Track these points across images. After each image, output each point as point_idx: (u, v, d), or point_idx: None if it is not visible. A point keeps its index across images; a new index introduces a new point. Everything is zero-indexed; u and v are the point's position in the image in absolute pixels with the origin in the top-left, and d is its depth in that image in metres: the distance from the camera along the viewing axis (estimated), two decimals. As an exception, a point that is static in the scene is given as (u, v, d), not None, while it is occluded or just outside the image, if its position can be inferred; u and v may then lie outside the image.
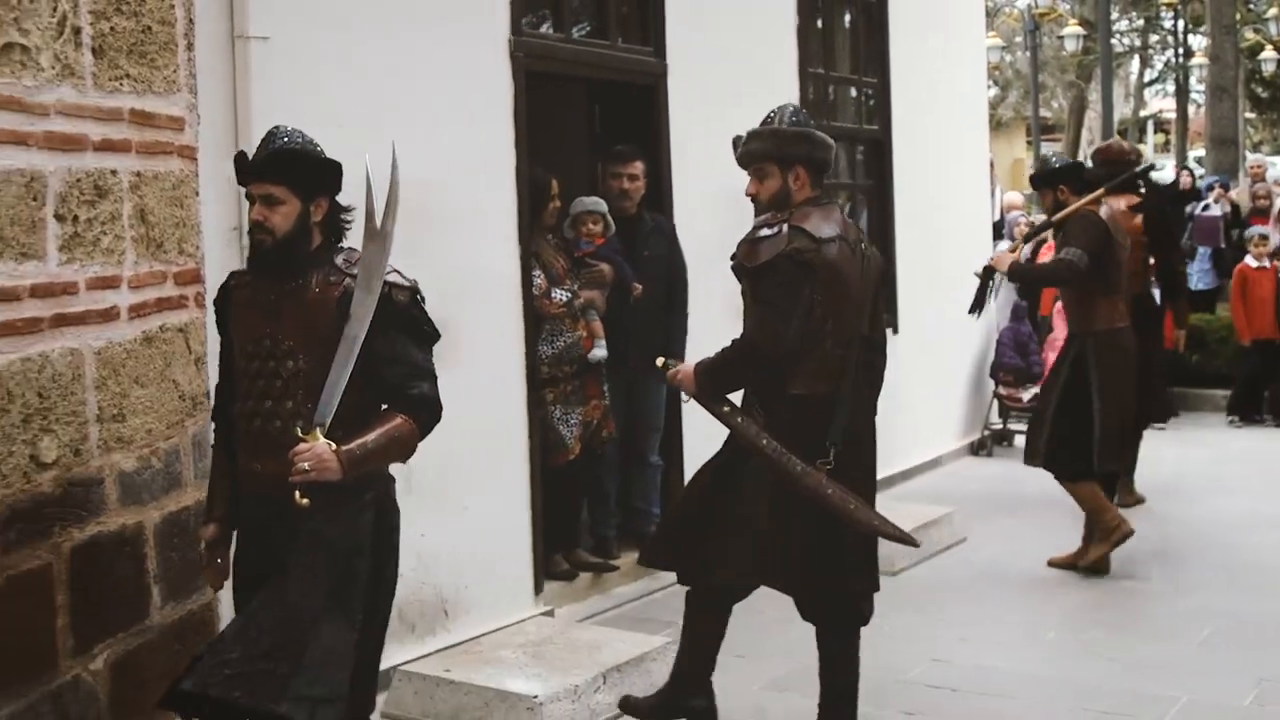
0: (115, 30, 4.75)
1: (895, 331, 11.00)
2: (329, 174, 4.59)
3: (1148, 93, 48.78)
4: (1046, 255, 12.93)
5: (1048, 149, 46.82)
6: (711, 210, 8.93)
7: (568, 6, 8.12)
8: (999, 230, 14.98)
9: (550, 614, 7.29)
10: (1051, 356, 12.63)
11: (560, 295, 7.58)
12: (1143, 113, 50.27)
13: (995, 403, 12.91)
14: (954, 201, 11.88)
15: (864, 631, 5.87)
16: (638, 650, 6.47)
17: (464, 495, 6.85)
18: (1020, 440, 12.47)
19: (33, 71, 4.37)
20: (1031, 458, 8.71)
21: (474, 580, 6.88)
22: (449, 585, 6.82)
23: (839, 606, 5.75)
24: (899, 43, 11.29)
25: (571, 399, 7.64)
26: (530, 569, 7.31)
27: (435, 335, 4.70)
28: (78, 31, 4.57)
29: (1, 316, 4.23)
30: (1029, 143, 36.84)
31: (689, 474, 8.62)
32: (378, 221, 4.52)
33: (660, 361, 5.83)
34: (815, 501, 5.36)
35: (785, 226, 5.44)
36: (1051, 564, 8.73)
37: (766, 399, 5.53)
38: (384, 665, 6.34)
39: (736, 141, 5.88)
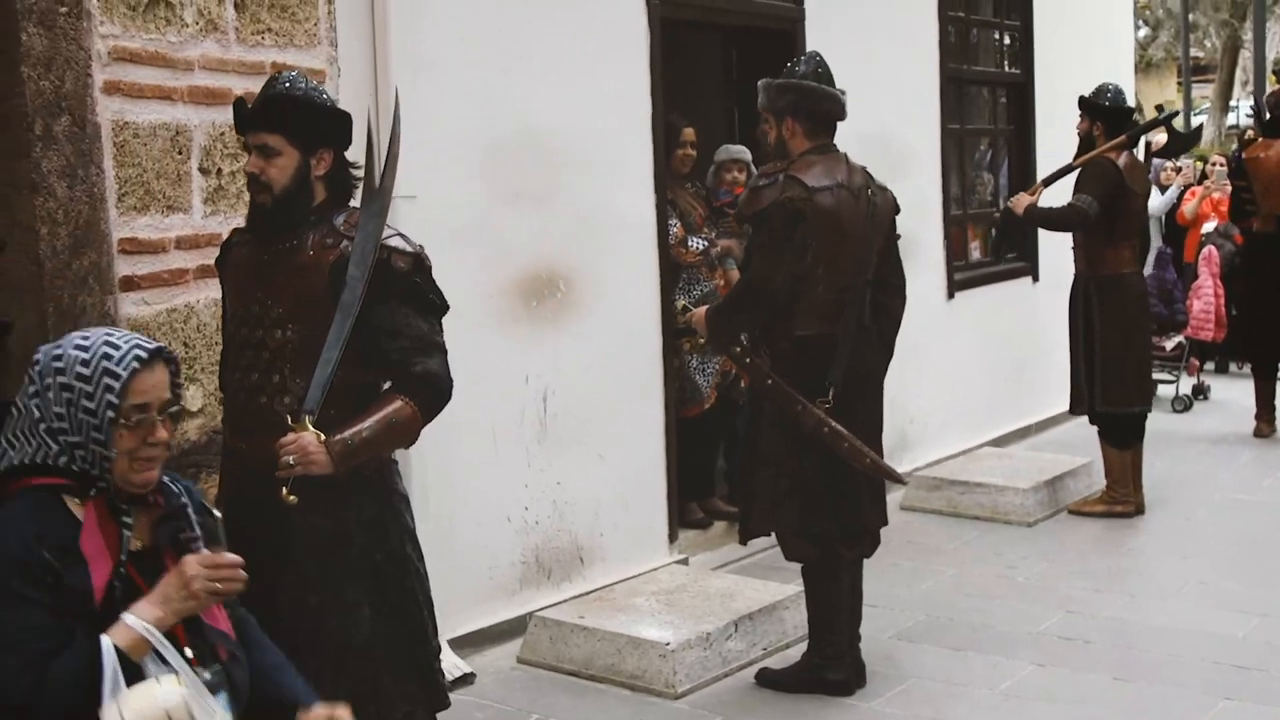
0: (257, -15, 4.84)
1: (1035, 280, 10.90)
2: (334, 124, 4.15)
3: (1306, 29, 47.40)
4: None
5: (1198, 91, 45.85)
6: (853, 156, 8.88)
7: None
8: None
9: (684, 562, 7.34)
10: (1196, 304, 12.48)
11: (697, 244, 7.59)
12: (1300, 51, 48.92)
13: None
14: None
15: (997, 582, 5.88)
16: (770, 599, 6.50)
17: (600, 444, 6.91)
18: (1163, 390, 12.33)
19: (177, 27, 4.46)
20: (1077, 406, 8.74)
21: (609, 528, 6.95)
22: (584, 533, 6.90)
23: (856, 539, 6.05)
24: (1042, -14, 11.11)
25: (707, 348, 7.65)
26: (665, 517, 7.36)
27: (444, 306, 4.23)
28: (221, -13, 4.66)
29: (148, 268, 4.35)
30: (1179, 84, 36.01)
31: (825, 423, 8.66)
32: (376, 179, 4.15)
33: (679, 304, 6.31)
34: (814, 437, 5.69)
35: (782, 176, 5.70)
36: (1071, 511, 8.83)
37: (771, 340, 5.83)
38: (521, 610, 6.52)
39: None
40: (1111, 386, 8.46)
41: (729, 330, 5.85)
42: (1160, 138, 16.53)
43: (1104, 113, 8.64)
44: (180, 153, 4.45)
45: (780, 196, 5.63)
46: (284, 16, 4.99)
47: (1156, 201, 13.85)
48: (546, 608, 6.48)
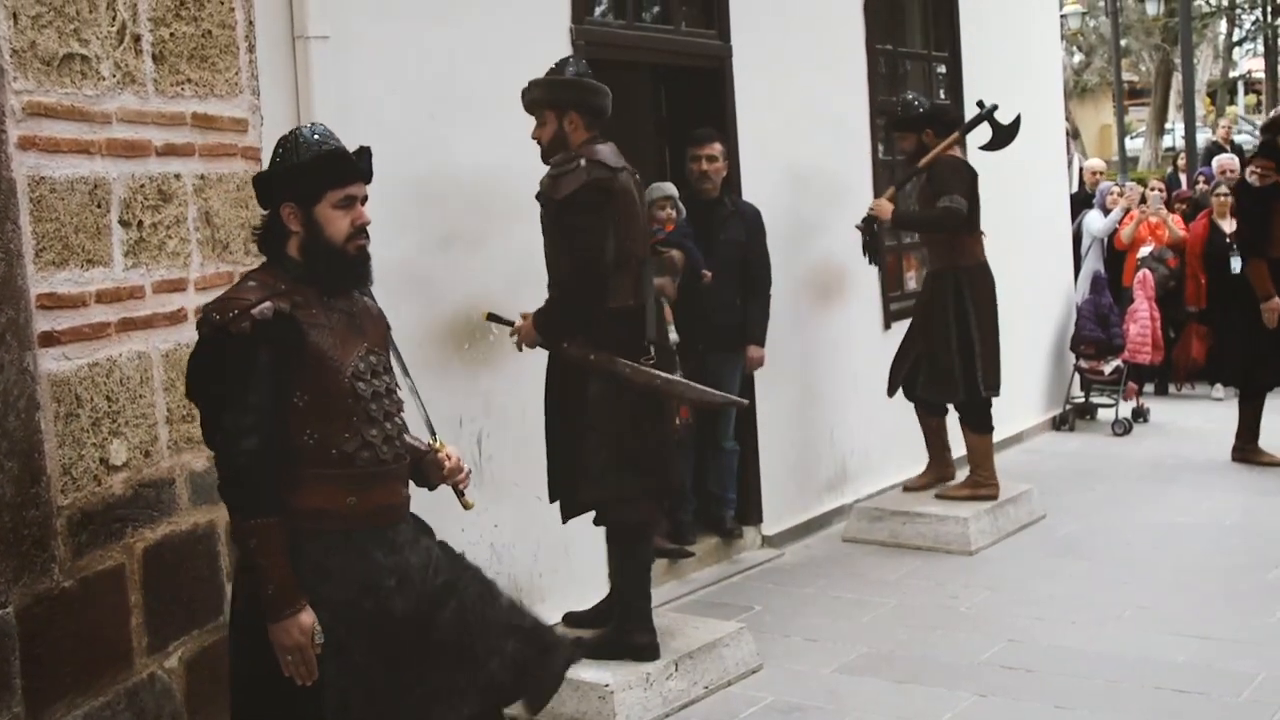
0: (175, 36, 4.81)
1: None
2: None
3: (1237, 52, 47.99)
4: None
5: (1135, 114, 46.33)
6: (782, 191, 8.94)
7: (630, -8, 8.13)
8: (1088, 200, 14.80)
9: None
10: (1132, 328, 12.57)
11: (626, 281, 7.61)
12: (1232, 73, 49.49)
13: (1076, 376, 12.81)
14: (1030, 174, 11.76)
15: (940, 612, 5.92)
16: (711, 636, 6.48)
17: (538, 485, 6.84)
18: (1103, 414, 12.42)
19: (93, 81, 4.43)
20: (952, 394, 9.03)
21: (548, 570, 6.93)
22: (524, 575, 6.87)
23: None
24: (969, 15, 11.20)
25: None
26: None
27: None
28: (137, 39, 4.63)
29: (69, 323, 4.31)
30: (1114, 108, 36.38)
31: (764, 458, 8.69)
32: None
33: (487, 316, 6.52)
34: (649, 392, 6.11)
35: (583, 161, 6.03)
36: (905, 488, 9.29)
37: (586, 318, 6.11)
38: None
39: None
40: (992, 372, 8.86)
41: (561, 327, 6.11)
42: (1092, 162, 16.72)
43: (927, 120, 8.96)
44: (99, 206, 4.42)
45: (588, 179, 5.98)
46: (204, 67, 4.96)
47: (1099, 224, 13.97)
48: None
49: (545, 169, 6.14)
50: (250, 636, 4.02)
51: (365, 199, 4.21)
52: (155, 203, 4.66)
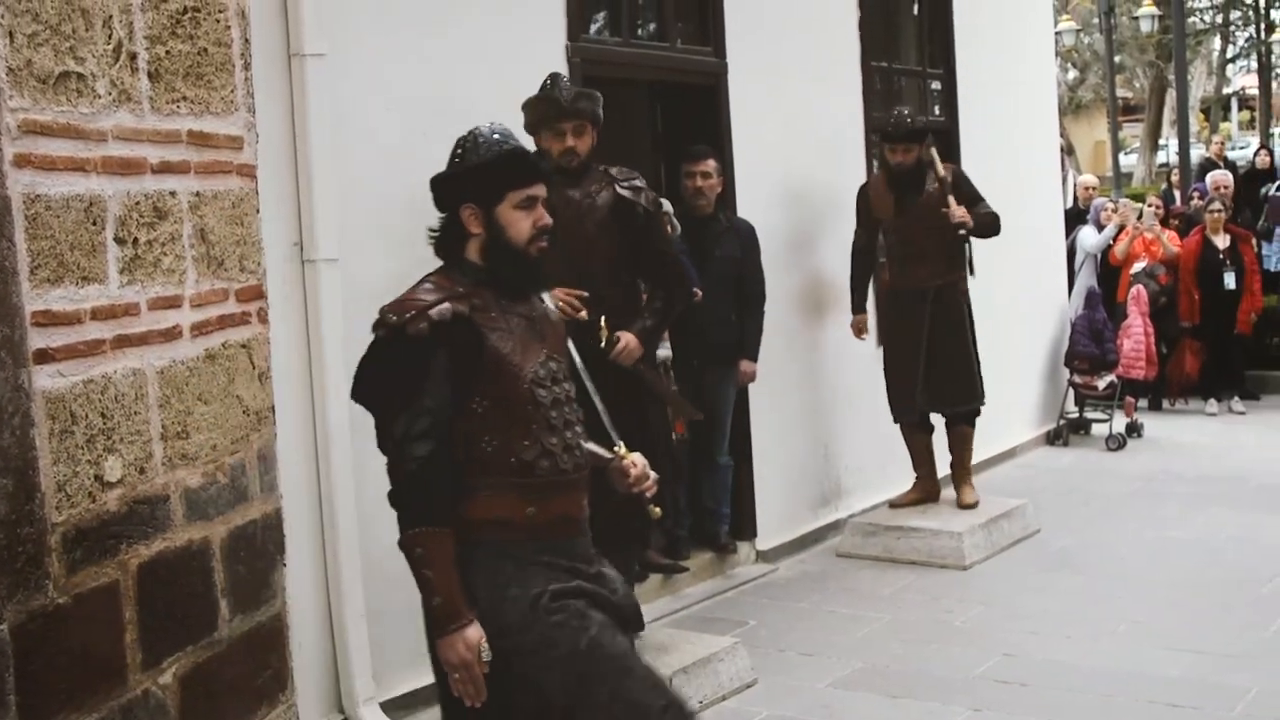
0: (171, 54, 4.82)
1: (966, 323, 10.97)
2: None
3: (1231, 69, 48.09)
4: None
5: (1129, 130, 46.40)
6: (776, 206, 8.97)
7: (626, 9, 8.16)
8: (1082, 216, 14.84)
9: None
10: (1126, 343, 12.59)
11: (624, 298, 7.62)
12: (1225, 90, 49.59)
13: (1070, 391, 12.83)
14: (1025, 190, 11.78)
15: (934, 627, 5.93)
16: (705, 651, 6.50)
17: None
18: (1097, 429, 12.44)
19: (89, 99, 4.44)
20: (976, 400, 9.23)
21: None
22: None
23: None
24: (964, 32, 11.24)
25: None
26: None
27: None
28: (133, 57, 4.64)
29: (63, 340, 4.30)
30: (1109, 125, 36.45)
31: (758, 473, 8.71)
32: None
33: (604, 325, 6.28)
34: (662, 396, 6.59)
35: (639, 177, 6.43)
36: (892, 505, 9.36)
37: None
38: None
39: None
40: (978, 383, 9.09)
41: (658, 337, 6.54)
42: (1085, 178, 16.79)
43: (926, 133, 9.17)
44: (95, 224, 4.42)
45: (652, 194, 6.47)
46: (200, 84, 4.97)
47: (1093, 239, 14.00)
48: (480, 668, 6.44)
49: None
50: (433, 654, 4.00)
51: (544, 200, 4.11)
52: (150, 220, 4.67)
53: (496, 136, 4.09)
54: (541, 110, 6.27)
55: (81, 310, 4.37)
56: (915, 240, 9.01)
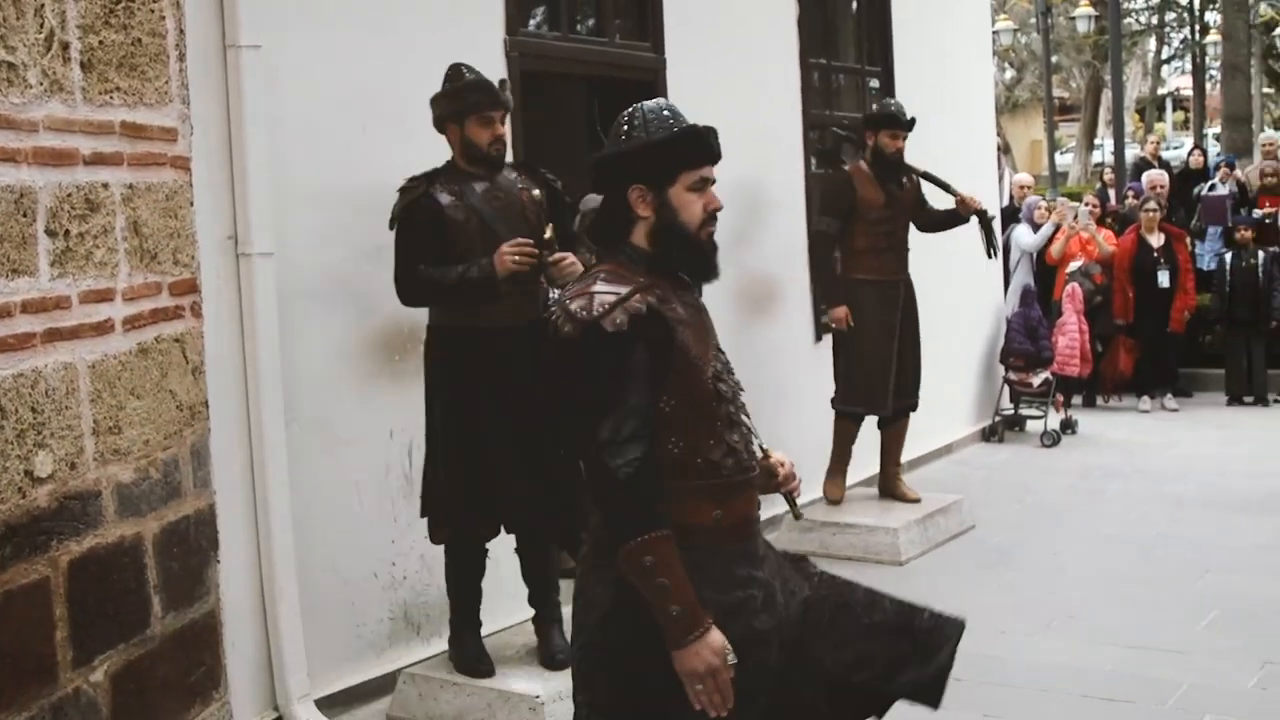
0: (104, 44, 4.77)
1: (903, 320, 11.02)
2: None
3: (1165, 70, 48.56)
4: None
5: (1065, 129, 46.75)
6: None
7: (565, 5, 8.13)
8: (1018, 214, 14.93)
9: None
10: (1061, 341, 12.69)
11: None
12: (1161, 90, 50.05)
13: (1006, 388, 12.90)
14: (961, 188, 11.81)
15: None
16: (642, 647, 6.47)
17: (468, 495, 6.89)
18: (1032, 426, 12.53)
19: (20, 88, 4.38)
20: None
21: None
22: (455, 585, 6.85)
23: None
24: (902, 30, 11.28)
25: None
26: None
27: None
28: (66, 46, 4.59)
29: (-8, 333, 4.25)
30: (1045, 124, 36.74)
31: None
32: None
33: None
34: None
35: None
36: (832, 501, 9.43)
37: None
38: (390, 667, 6.47)
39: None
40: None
41: None
42: (1021, 177, 16.92)
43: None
44: (25, 215, 4.37)
45: None
46: (133, 75, 4.92)
47: (1028, 238, 14.10)
48: (416, 664, 6.43)
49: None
50: (638, 679, 3.68)
51: (714, 182, 3.81)
52: (83, 212, 4.62)
53: (666, 114, 3.80)
54: (475, 98, 6.13)
55: (11, 303, 4.32)
56: (897, 231, 9.05)
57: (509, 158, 6.37)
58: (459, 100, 6.15)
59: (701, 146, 3.77)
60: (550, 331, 3.65)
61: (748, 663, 3.61)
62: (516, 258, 5.87)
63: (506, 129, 6.31)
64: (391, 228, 6.05)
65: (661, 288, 3.68)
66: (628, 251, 3.75)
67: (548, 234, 6.06)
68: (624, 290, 3.60)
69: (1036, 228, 14.24)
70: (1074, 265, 13.84)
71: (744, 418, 3.84)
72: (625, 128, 3.80)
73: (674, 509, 3.60)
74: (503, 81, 6.33)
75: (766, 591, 3.77)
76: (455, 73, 6.22)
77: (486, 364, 6.02)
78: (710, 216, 3.78)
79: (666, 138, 3.73)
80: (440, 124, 6.23)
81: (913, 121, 9.08)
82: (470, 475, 6.05)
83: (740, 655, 3.57)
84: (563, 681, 6.06)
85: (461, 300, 6.00)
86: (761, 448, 3.93)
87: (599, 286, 3.63)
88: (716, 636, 3.53)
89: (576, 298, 3.63)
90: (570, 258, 6.06)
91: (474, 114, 6.13)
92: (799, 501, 4.14)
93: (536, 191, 6.31)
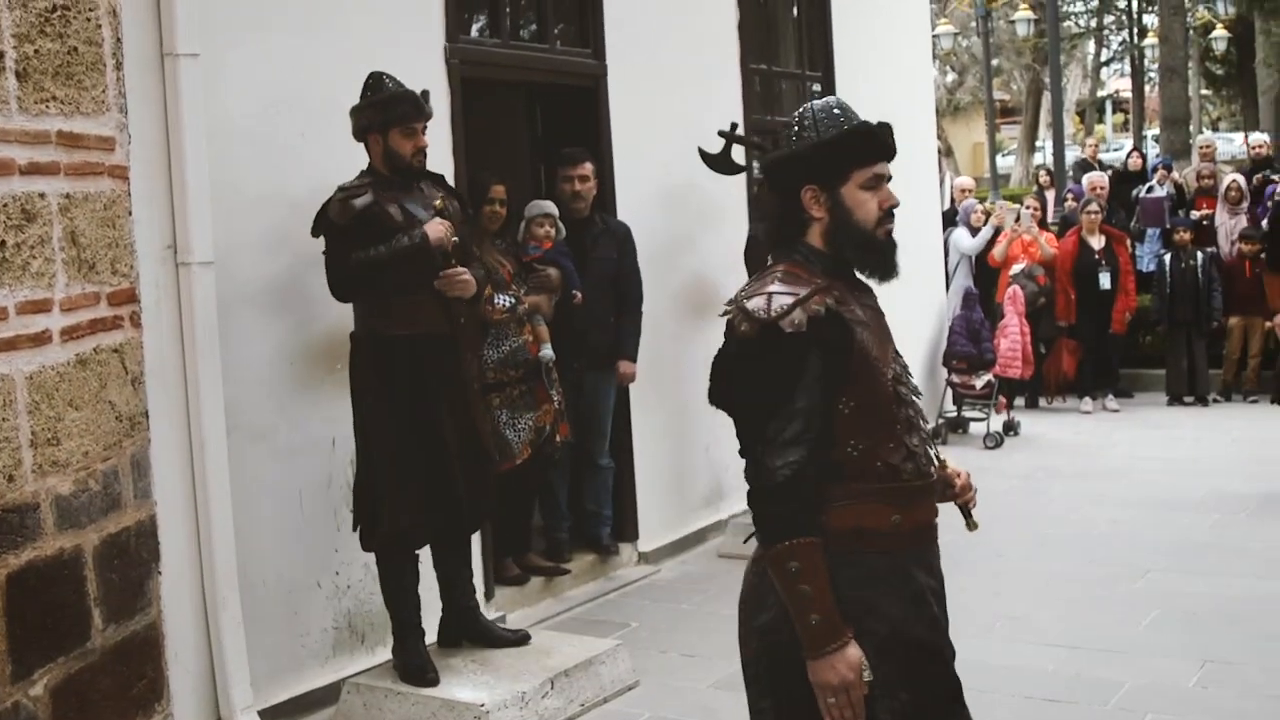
0: (40, 53, 4.73)
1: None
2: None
3: (1105, 72, 48.95)
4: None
5: (1007, 132, 47.04)
6: (655, 209, 8.98)
7: (506, 11, 8.13)
8: (953, 218, 15.03)
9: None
10: (1003, 343, 12.77)
11: (503, 300, 7.52)
12: (1100, 93, 50.46)
13: (948, 390, 12.97)
14: (903, 191, 11.85)
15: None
16: (586, 654, 6.49)
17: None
18: (975, 428, 12.60)
19: (-46, 99, 4.35)
20: None
21: (423, 589, 6.89)
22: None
23: None
24: (843, 34, 11.32)
25: (519, 404, 7.61)
26: (481, 575, 7.31)
27: None
28: (1, 56, 4.55)
29: (-71, 345, 4.21)
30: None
31: (640, 475, 8.72)
32: None
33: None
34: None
35: None
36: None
37: None
38: (334, 677, 6.45)
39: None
40: None
41: None
42: (961, 180, 16.98)
43: None
44: (-40, 226, 4.34)
45: None
46: (70, 84, 4.88)
47: (967, 242, 14.20)
48: (360, 673, 6.41)
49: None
50: (785, 685, 3.61)
51: (890, 178, 3.74)
52: (19, 222, 4.58)
53: (837, 112, 3.73)
54: (401, 110, 6.19)
55: (-53, 315, 4.29)
56: None
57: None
58: (384, 112, 6.20)
59: (873, 142, 3.70)
60: (726, 329, 3.62)
61: (918, 669, 3.58)
62: (445, 226, 6.10)
63: (427, 138, 6.34)
64: (331, 230, 6.12)
65: (839, 288, 3.63)
66: (803, 251, 3.70)
67: (448, 245, 6.21)
68: (802, 291, 3.55)
69: (974, 231, 14.34)
70: (1017, 267, 13.92)
71: (923, 423, 3.76)
72: (796, 128, 3.75)
73: (852, 511, 3.56)
74: (425, 92, 6.33)
75: (940, 604, 3.72)
76: (377, 83, 6.28)
77: (411, 370, 6.15)
78: (887, 214, 3.71)
79: (836, 136, 3.67)
80: (361, 134, 6.28)
81: None
82: (402, 478, 6.12)
83: (911, 664, 3.55)
84: (508, 689, 6.07)
85: (397, 277, 6.09)
86: (938, 457, 3.80)
87: (775, 286, 3.58)
88: (854, 651, 3.47)
89: (753, 296, 3.58)
90: (465, 273, 6.23)
91: (398, 125, 6.17)
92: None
93: (450, 201, 6.45)
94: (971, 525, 3.95)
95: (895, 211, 3.72)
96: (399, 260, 6.05)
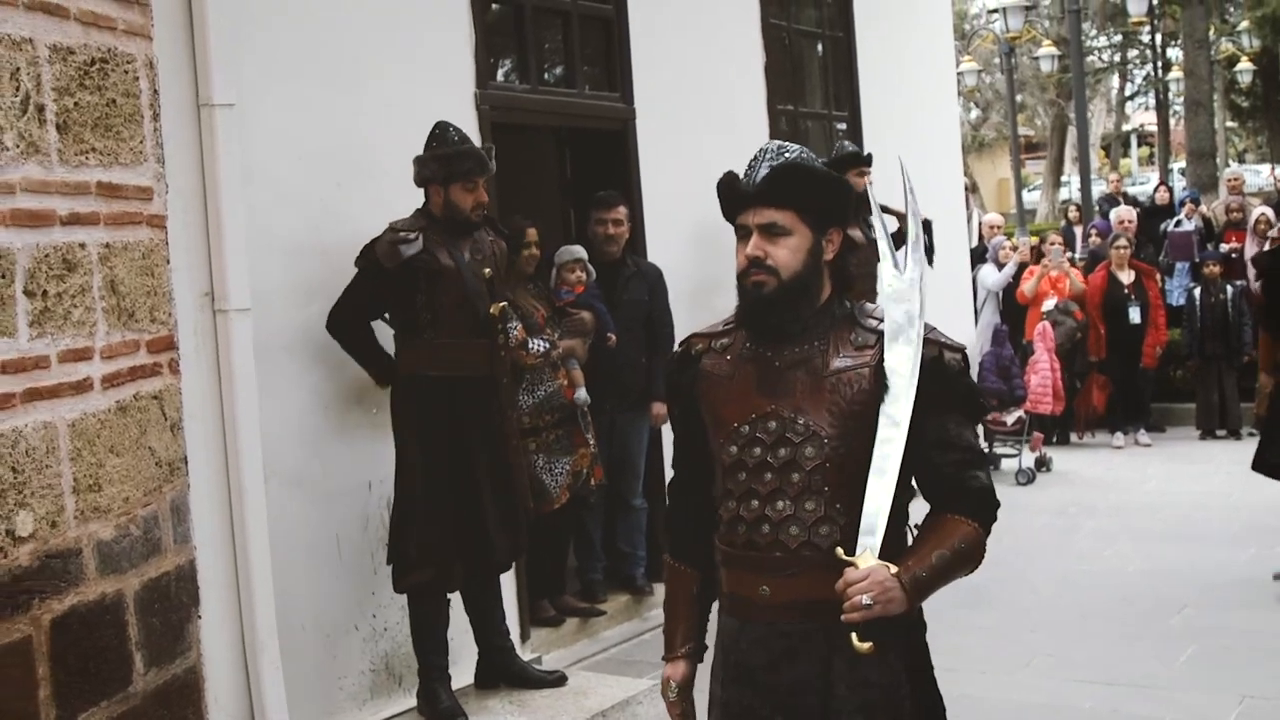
0: (79, 105, 4.80)
1: (876, 361, 11.06)
2: (842, 200, 3.67)
3: (1130, 106, 48.88)
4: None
5: (1032, 167, 47.02)
6: (685, 250, 9.01)
7: (533, 56, 8.19)
8: (981, 255, 15.04)
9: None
10: (1033, 379, 12.76)
11: (538, 345, 7.54)
12: (1125, 127, 50.37)
13: (980, 427, 12.95)
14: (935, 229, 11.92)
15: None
16: (623, 694, 6.50)
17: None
18: (1006, 464, 12.58)
19: (-3, 151, 4.41)
20: None
21: (458, 631, 6.89)
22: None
23: None
24: (868, 74, 11.37)
25: (555, 447, 7.62)
26: (516, 616, 7.33)
27: (984, 408, 3.74)
28: (41, 109, 4.61)
29: (-28, 394, 4.26)
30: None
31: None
32: (903, 259, 3.73)
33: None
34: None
35: None
36: None
37: None
38: (372, 719, 6.46)
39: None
40: None
41: None
42: (990, 217, 16.97)
43: None
44: (4, 276, 4.39)
45: None
46: (108, 135, 4.95)
47: (993, 278, 14.20)
48: (398, 715, 6.44)
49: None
50: None
51: (773, 227, 3.63)
52: (60, 272, 4.64)
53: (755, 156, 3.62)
54: (466, 167, 6.32)
55: (-10, 365, 4.34)
56: (872, 270, 9.09)
57: None
58: (447, 166, 6.32)
59: (721, 197, 3.70)
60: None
61: None
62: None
63: (486, 194, 6.50)
64: (367, 271, 6.26)
65: (746, 335, 3.72)
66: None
67: (494, 309, 6.39)
68: (717, 328, 3.83)
69: (1001, 267, 14.35)
70: (1049, 303, 13.91)
71: (798, 494, 3.42)
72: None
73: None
74: (488, 147, 6.44)
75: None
76: (442, 134, 6.40)
77: (450, 411, 6.26)
78: (748, 266, 3.62)
79: (719, 189, 3.72)
80: (423, 182, 6.40)
81: (870, 157, 9.34)
82: (432, 521, 6.20)
83: None
84: (545, 730, 6.08)
85: (449, 321, 6.30)
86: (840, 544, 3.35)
87: (715, 322, 3.89)
88: (671, 669, 3.69)
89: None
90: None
91: (461, 180, 6.31)
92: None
93: (500, 242, 6.68)
94: (858, 646, 3.23)
95: (765, 264, 3.59)
96: (360, 362, 6.43)
